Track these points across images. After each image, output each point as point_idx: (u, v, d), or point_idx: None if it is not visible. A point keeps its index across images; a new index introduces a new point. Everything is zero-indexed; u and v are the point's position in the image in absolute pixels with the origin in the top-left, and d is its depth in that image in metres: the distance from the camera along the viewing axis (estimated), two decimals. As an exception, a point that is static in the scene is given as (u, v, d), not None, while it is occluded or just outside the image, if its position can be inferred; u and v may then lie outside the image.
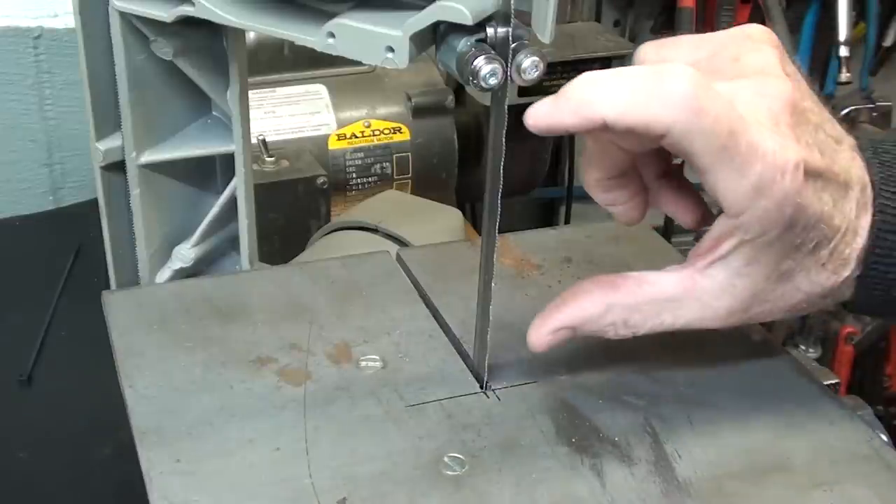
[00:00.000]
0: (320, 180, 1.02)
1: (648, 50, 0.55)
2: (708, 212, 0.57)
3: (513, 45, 0.50)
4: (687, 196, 0.57)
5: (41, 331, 0.95)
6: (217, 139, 0.73)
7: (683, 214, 0.57)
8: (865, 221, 0.53)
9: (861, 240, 0.53)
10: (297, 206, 1.01)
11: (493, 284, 0.56)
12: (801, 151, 0.50)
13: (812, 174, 0.51)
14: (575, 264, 0.70)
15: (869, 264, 0.54)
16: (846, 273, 0.54)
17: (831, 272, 0.54)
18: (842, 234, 0.53)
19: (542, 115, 0.49)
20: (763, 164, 0.49)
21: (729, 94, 0.49)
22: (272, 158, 1.02)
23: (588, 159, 0.55)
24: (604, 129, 0.49)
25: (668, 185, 0.57)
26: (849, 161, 0.53)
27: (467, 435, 0.55)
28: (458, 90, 1.17)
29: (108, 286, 0.77)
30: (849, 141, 0.55)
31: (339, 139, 1.12)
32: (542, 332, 0.55)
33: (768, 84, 0.51)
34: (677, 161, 0.55)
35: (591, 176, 0.56)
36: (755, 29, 0.54)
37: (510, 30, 0.50)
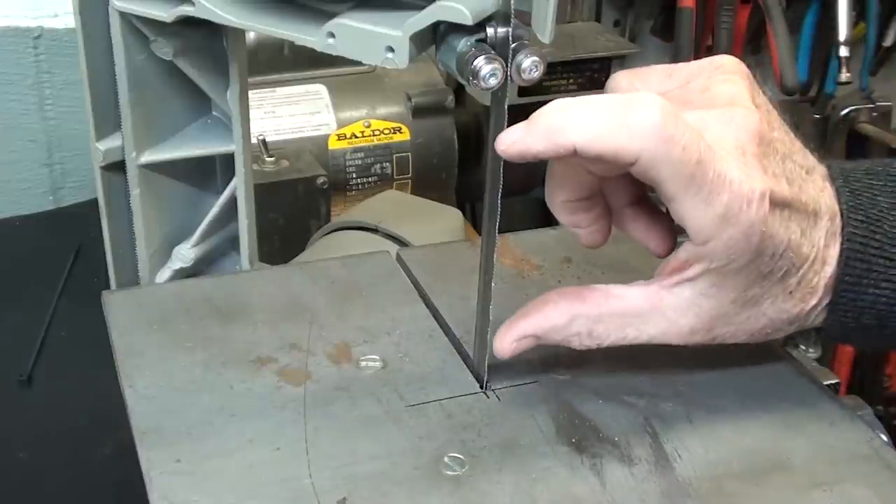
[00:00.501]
0: (320, 180, 1.02)
1: (621, 79, 0.56)
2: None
3: (513, 45, 0.50)
4: (658, 224, 0.58)
5: (41, 331, 0.95)
6: (217, 139, 0.73)
7: (654, 242, 0.58)
8: (834, 250, 0.54)
9: (830, 268, 0.54)
10: (297, 206, 1.01)
11: (493, 284, 0.56)
12: (768, 181, 0.51)
13: (779, 204, 0.51)
14: (575, 264, 0.70)
15: (839, 292, 0.54)
16: (813, 301, 0.55)
17: (798, 300, 0.54)
18: (810, 263, 0.54)
19: (513, 142, 0.50)
20: (730, 194, 0.50)
21: (697, 124, 0.50)
22: (272, 158, 1.02)
23: (554, 181, 0.56)
24: (573, 156, 0.50)
25: (639, 212, 0.58)
26: (818, 191, 0.54)
27: (467, 435, 0.55)
28: (458, 90, 1.17)
29: (108, 286, 0.77)
30: (820, 170, 0.55)
31: (339, 139, 1.12)
32: (507, 340, 0.56)
33: (736, 114, 0.52)
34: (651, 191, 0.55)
35: (556, 197, 0.56)
36: (726, 60, 0.55)
37: (510, 30, 0.50)
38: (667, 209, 0.52)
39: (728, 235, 0.50)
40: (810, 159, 0.55)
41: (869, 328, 0.56)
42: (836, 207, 0.54)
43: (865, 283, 0.54)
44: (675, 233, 0.57)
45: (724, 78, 0.53)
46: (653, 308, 0.54)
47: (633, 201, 0.57)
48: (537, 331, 0.55)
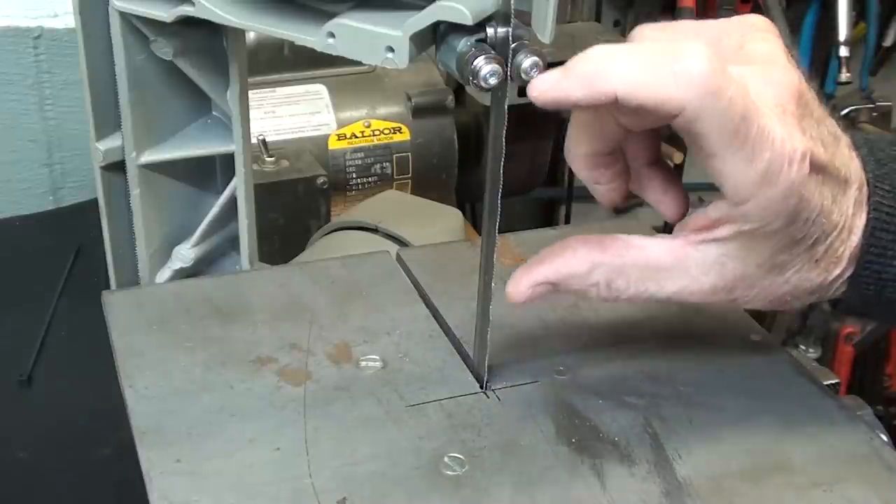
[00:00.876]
0: (320, 180, 1.02)
1: (648, 32, 0.53)
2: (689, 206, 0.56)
3: (513, 45, 0.50)
4: (673, 187, 0.56)
5: (41, 331, 0.95)
6: (217, 139, 0.73)
7: (667, 206, 0.56)
8: (861, 220, 0.53)
9: (856, 238, 0.53)
10: (297, 206, 1.01)
11: (493, 284, 0.56)
12: (807, 142, 0.49)
13: (816, 167, 0.50)
14: (575, 264, 0.70)
15: (863, 263, 0.53)
16: (837, 271, 0.54)
17: (823, 269, 0.53)
18: (838, 232, 0.52)
19: (549, 87, 0.48)
20: (772, 152, 0.48)
21: (740, 79, 0.48)
22: (272, 158, 1.02)
23: (577, 132, 0.54)
24: (612, 105, 0.48)
25: (656, 174, 0.56)
26: (847, 158, 0.53)
27: (467, 435, 0.55)
28: (458, 90, 1.17)
29: (108, 286, 0.77)
30: (845, 139, 0.54)
31: (339, 139, 1.12)
32: (523, 285, 0.53)
33: (776, 72, 0.50)
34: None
35: (578, 149, 0.54)
36: (758, 19, 0.53)
37: (510, 30, 0.50)
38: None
39: (767, 195, 0.49)
40: (837, 127, 0.54)
41: (891, 302, 0.54)
42: (864, 176, 0.53)
43: (890, 255, 0.53)
44: (688, 198, 0.56)
45: (759, 36, 0.52)
46: (676, 263, 0.52)
47: (651, 162, 0.56)
48: (555, 277, 0.53)
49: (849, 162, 0.53)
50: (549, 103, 0.48)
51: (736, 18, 0.54)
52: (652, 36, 0.53)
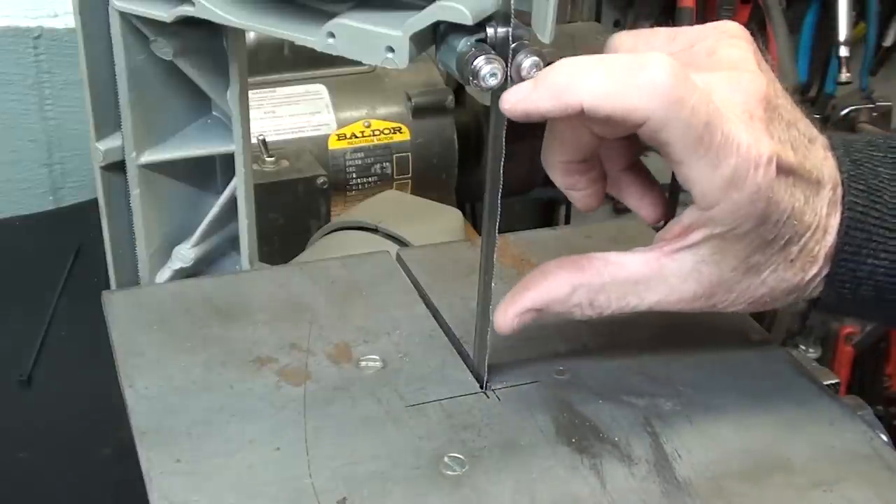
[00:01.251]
0: (320, 180, 1.02)
1: (625, 39, 0.55)
2: (669, 209, 0.57)
3: (513, 45, 0.50)
4: (650, 191, 0.57)
5: (41, 331, 0.95)
6: (217, 139, 0.73)
7: (647, 209, 0.57)
8: (835, 220, 0.54)
9: (830, 238, 0.54)
10: (297, 206, 1.01)
11: (493, 284, 0.56)
12: (774, 146, 0.50)
13: (784, 170, 0.51)
14: (575, 264, 0.70)
15: (838, 261, 0.54)
16: (813, 271, 0.54)
17: (799, 269, 0.54)
18: (812, 232, 0.53)
19: (520, 100, 0.49)
20: (737, 157, 0.49)
21: (705, 86, 0.50)
22: (272, 158, 1.02)
23: (553, 141, 0.55)
24: (581, 116, 0.49)
25: (634, 178, 0.57)
26: (821, 159, 0.54)
27: (467, 435, 0.55)
28: (458, 90, 1.17)
29: (108, 286, 0.77)
30: (822, 140, 0.55)
31: (339, 139, 1.12)
32: (509, 315, 0.55)
33: (743, 78, 0.51)
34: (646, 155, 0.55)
35: (553, 157, 0.55)
36: (731, 25, 0.54)
37: (510, 30, 0.50)
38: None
39: (734, 200, 0.50)
40: (813, 129, 0.55)
41: (866, 300, 0.55)
42: (838, 177, 0.54)
43: (865, 253, 0.54)
44: (666, 201, 0.57)
45: (730, 42, 0.53)
46: (653, 274, 0.53)
47: (629, 166, 0.57)
48: (538, 304, 0.54)
49: (822, 163, 0.53)
50: (520, 115, 0.50)
51: (710, 25, 0.55)
52: (626, 43, 0.54)
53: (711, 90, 0.50)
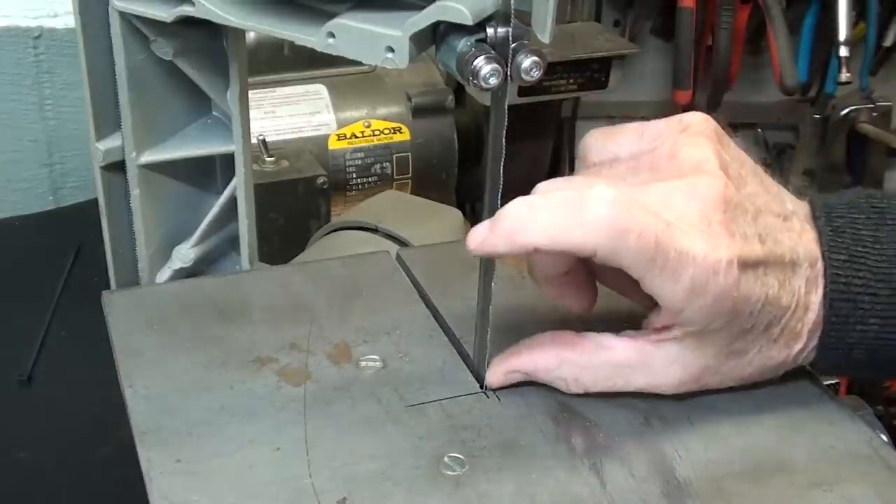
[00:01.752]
0: (320, 180, 1.02)
1: (593, 141, 0.57)
2: None
3: (513, 45, 0.50)
4: (585, 288, 0.58)
5: (41, 331, 0.95)
6: (217, 139, 0.73)
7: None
8: (816, 296, 0.55)
9: (812, 314, 0.55)
10: (297, 206, 1.01)
11: (492, 284, 0.56)
12: (735, 247, 0.51)
13: (751, 265, 0.52)
14: (575, 264, 0.70)
15: (827, 332, 0.55)
16: (798, 346, 0.56)
17: (783, 346, 0.55)
18: (792, 312, 0.54)
19: (479, 242, 0.52)
20: (694, 268, 0.51)
21: (661, 200, 0.51)
22: (272, 158, 1.02)
23: (533, 263, 0.57)
24: (537, 253, 0.52)
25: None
26: (795, 239, 0.54)
27: (467, 435, 0.55)
28: (458, 90, 1.17)
29: (108, 286, 0.77)
30: (800, 212, 0.56)
31: (339, 139, 1.12)
32: (498, 372, 0.57)
33: (700, 184, 0.52)
34: None
35: (539, 275, 0.57)
36: (693, 118, 0.55)
37: (510, 30, 0.50)
38: None
39: (699, 305, 0.52)
40: (788, 205, 0.56)
41: (859, 362, 0.56)
42: (817, 252, 0.55)
43: (853, 322, 0.55)
44: (595, 290, 0.59)
45: (690, 141, 0.54)
46: (641, 361, 0.55)
47: (567, 271, 0.57)
48: (526, 368, 0.57)
49: (797, 243, 0.54)
50: (484, 255, 0.53)
51: (675, 118, 0.56)
52: (595, 144, 0.57)
53: (667, 203, 0.51)
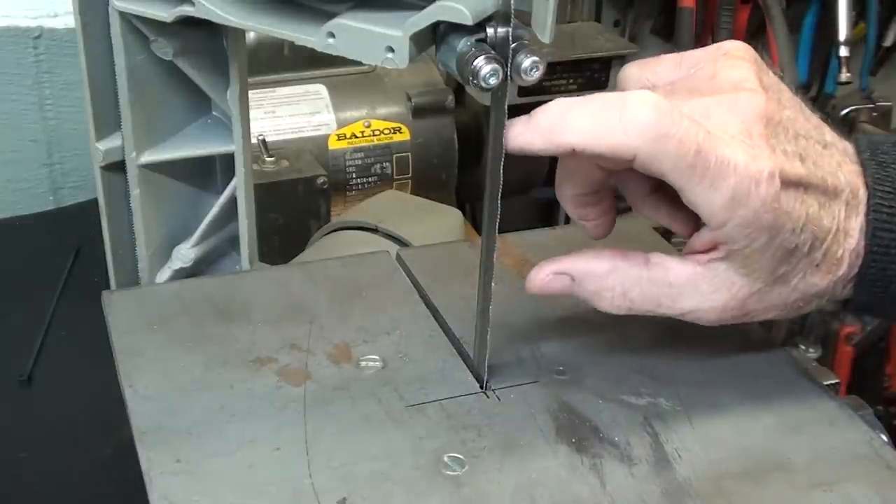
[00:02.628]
0: (320, 180, 1.02)
1: (632, 71, 0.57)
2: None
3: (513, 45, 0.50)
4: (680, 208, 0.57)
5: (41, 331, 0.95)
6: (217, 139, 0.73)
7: (678, 226, 0.58)
8: (856, 222, 0.54)
9: (853, 240, 0.54)
10: (297, 206, 1.01)
11: (493, 284, 0.56)
12: (777, 160, 0.51)
13: (792, 182, 0.52)
14: (575, 264, 0.70)
15: (867, 262, 0.55)
16: (840, 272, 0.55)
17: (825, 272, 0.55)
18: (833, 235, 0.54)
19: (514, 136, 0.51)
20: (735, 177, 0.50)
21: (701, 112, 0.51)
22: (272, 158, 1.02)
23: (564, 175, 0.57)
24: (574, 155, 0.51)
25: (660, 200, 0.58)
26: (835, 166, 0.54)
27: (467, 435, 0.55)
28: (458, 90, 1.17)
29: (108, 286, 0.77)
30: (840, 145, 0.56)
31: (339, 139, 1.12)
32: (543, 272, 0.56)
33: (741, 98, 0.52)
34: None
35: (565, 191, 0.57)
36: (732, 45, 0.56)
37: (510, 30, 0.50)
38: None
39: (740, 216, 0.51)
40: (828, 135, 0.56)
41: None
42: (857, 181, 0.55)
43: (894, 253, 0.54)
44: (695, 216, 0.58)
45: (729, 63, 0.54)
46: (690, 281, 0.54)
47: (653, 189, 0.58)
48: (575, 271, 0.56)
49: (836, 169, 0.54)
50: (516, 151, 0.52)
51: (713, 46, 0.56)
52: (633, 75, 0.57)
53: (707, 115, 0.51)
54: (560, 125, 0.50)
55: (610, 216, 0.59)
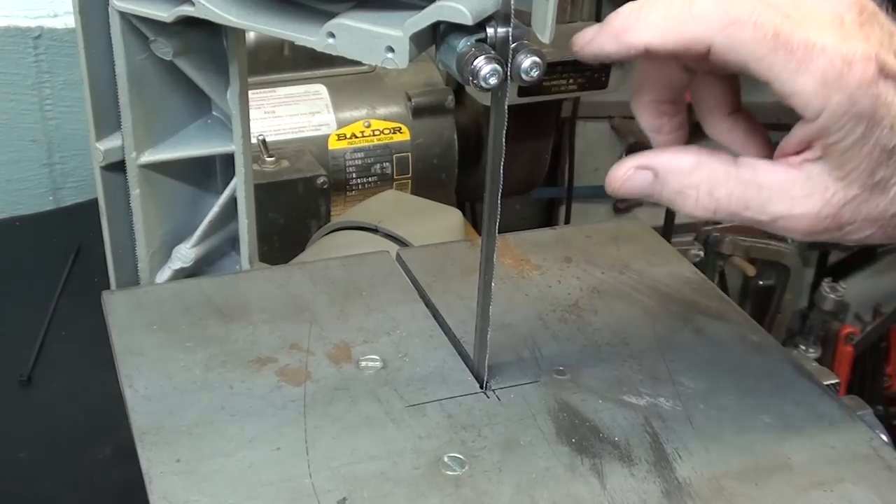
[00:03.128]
0: (320, 180, 1.02)
1: None
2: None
3: (513, 45, 0.50)
4: (755, 134, 0.56)
5: (41, 331, 0.95)
6: (217, 139, 0.73)
7: (755, 150, 0.55)
8: None
9: None
10: (297, 206, 1.01)
11: (493, 284, 0.56)
12: (872, 45, 0.49)
13: (891, 74, 0.49)
14: (575, 264, 0.70)
15: None
16: None
17: None
18: None
19: (587, 42, 0.51)
20: (824, 59, 0.48)
21: (791, 2, 0.49)
22: (272, 158, 1.02)
23: (642, 80, 0.55)
24: (649, 56, 0.50)
25: (736, 123, 0.56)
26: None
27: (467, 435, 0.55)
28: (458, 90, 1.17)
29: (108, 286, 0.77)
30: None
31: (339, 139, 1.12)
32: (626, 166, 0.54)
33: None
34: None
35: (643, 96, 0.55)
36: None
37: (510, 30, 0.50)
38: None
39: (836, 102, 0.48)
40: None
41: None
42: None
43: None
44: (771, 144, 0.56)
45: None
46: (781, 184, 0.51)
47: (731, 111, 0.56)
48: (662, 165, 0.53)
49: None
50: (589, 57, 0.51)
51: None
52: None
53: (797, 4, 0.49)
54: (632, 24, 0.49)
55: (681, 133, 0.56)
